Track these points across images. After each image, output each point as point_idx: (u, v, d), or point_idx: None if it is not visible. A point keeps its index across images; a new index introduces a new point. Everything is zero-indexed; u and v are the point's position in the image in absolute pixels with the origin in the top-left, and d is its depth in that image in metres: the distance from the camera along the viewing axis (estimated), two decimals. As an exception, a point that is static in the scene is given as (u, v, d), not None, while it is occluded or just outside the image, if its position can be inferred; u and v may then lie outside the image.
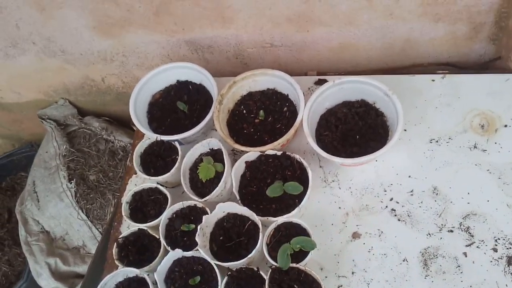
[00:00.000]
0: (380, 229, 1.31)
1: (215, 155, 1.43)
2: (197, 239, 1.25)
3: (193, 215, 1.39)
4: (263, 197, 1.30)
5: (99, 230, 2.05)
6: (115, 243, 1.40)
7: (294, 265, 1.22)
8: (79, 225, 1.98)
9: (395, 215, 1.33)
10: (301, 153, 1.37)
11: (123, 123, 2.27)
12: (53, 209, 2.07)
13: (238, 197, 1.31)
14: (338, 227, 1.34)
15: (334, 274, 1.27)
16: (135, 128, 1.69)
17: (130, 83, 2.03)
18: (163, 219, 1.38)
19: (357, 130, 1.40)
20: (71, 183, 2.07)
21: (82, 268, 2.01)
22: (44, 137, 2.28)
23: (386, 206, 1.35)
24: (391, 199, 1.36)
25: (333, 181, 1.43)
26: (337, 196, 1.40)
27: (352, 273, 1.27)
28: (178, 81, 1.60)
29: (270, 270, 1.22)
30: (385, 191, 1.38)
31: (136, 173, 1.61)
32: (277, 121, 1.45)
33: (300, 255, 1.26)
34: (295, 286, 1.20)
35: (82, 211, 2.05)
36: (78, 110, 2.24)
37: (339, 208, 1.38)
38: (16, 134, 2.66)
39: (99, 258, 1.51)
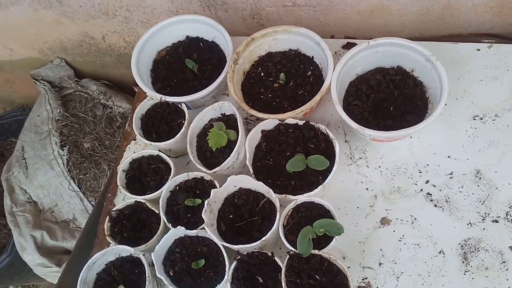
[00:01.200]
0: (413, 216, 1.18)
1: (227, 121, 1.24)
2: (203, 216, 1.07)
3: (199, 188, 1.21)
4: (281, 172, 1.14)
5: (92, 203, 1.88)
6: (108, 217, 1.22)
7: (316, 251, 1.04)
8: (70, 196, 1.84)
9: (431, 200, 1.19)
10: (324, 124, 1.19)
11: (124, 88, 2.17)
12: (42, 178, 1.92)
13: (251, 171, 1.13)
14: (365, 211, 1.20)
15: (359, 265, 1.14)
16: (136, 89, 1.50)
17: (133, 43, 1.88)
18: (164, 191, 1.19)
19: (391, 101, 1.24)
20: (63, 150, 1.94)
21: (71, 244, 1.84)
22: (37, 99, 2.09)
23: (421, 190, 1.21)
24: (427, 182, 1.22)
25: (360, 158, 1.25)
26: (364, 175, 1.26)
27: (380, 264, 1.14)
28: (187, 37, 1.42)
29: (288, 257, 1.04)
30: (420, 172, 1.23)
31: (135, 139, 1.42)
32: (299, 87, 1.27)
33: (322, 240, 1.09)
34: (317, 276, 1.02)
35: (74, 181, 1.89)
36: (75, 71, 2.12)
37: (367, 189, 1.24)
38: (7, 96, 2.47)
39: (89, 233, 1.33)
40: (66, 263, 1.41)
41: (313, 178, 1.16)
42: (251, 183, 1.16)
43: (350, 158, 1.31)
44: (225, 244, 1.08)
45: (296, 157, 1.16)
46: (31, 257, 1.84)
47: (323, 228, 1.05)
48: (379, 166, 1.26)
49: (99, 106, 2.02)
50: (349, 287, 1.02)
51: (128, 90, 2.10)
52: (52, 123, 1.98)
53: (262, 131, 1.25)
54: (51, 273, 1.88)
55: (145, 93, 1.31)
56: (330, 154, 1.17)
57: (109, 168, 1.94)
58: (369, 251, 1.15)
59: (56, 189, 1.89)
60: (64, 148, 1.91)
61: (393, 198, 1.21)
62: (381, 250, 1.15)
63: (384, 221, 1.18)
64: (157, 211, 1.21)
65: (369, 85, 1.28)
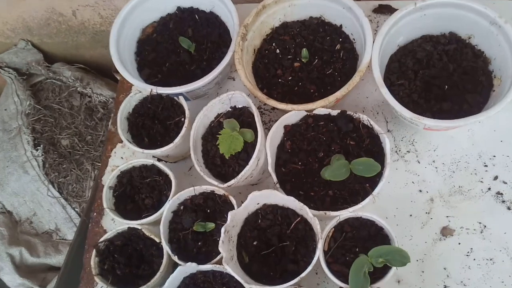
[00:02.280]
0: (482, 222, 0.98)
1: (240, 116, 0.97)
2: (221, 249, 0.81)
3: (210, 206, 0.94)
4: (314, 179, 0.94)
5: (76, 210, 1.61)
6: (94, 250, 0.94)
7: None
8: (49, 203, 1.62)
9: (503, 202, 0.99)
10: (358, 111, 0.99)
11: (103, 72, 1.88)
12: (15, 184, 1.64)
13: (275, 179, 0.86)
14: (420, 219, 1.00)
15: None
16: (119, 77, 1.19)
17: (110, 18, 1.62)
18: (165, 213, 0.92)
19: (445, 77, 1.02)
20: (37, 150, 1.65)
21: (56, 259, 1.58)
22: (3, 90, 1.79)
23: (489, 189, 1.01)
24: (496, 178, 1.01)
25: (408, 151, 1.01)
26: (415, 173, 1.05)
27: (444, 286, 0.94)
28: (179, 8, 1.16)
29: (338, 298, 0.78)
30: (486, 166, 1.03)
31: (122, 141, 1.12)
32: (327, 65, 1.03)
33: (376, 269, 0.82)
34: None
35: (53, 186, 1.62)
36: (44, 55, 1.83)
37: (420, 191, 1.03)
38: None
39: (72, 263, 1.05)
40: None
41: (357, 186, 0.91)
42: (278, 198, 0.89)
43: (396, 152, 1.06)
44: (253, 286, 0.81)
45: (337, 162, 0.89)
46: (10, 277, 1.57)
47: (382, 257, 0.80)
48: (433, 161, 1.05)
49: (75, 95, 1.74)
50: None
51: (108, 73, 1.83)
52: (22, 118, 1.68)
53: (285, 127, 0.98)
54: (35, 295, 1.61)
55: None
56: (376, 153, 0.93)
57: (94, 169, 1.66)
58: (430, 272, 0.95)
59: (33, 196, 1.62)
60: (39, 147, 1.65)
61: (455, 201, 1.00)
62: (445, 269, 0.95)
63: (446, 232, 0.98)
64: (157, 240, 0.94)
65: (416, 59, 1.05)
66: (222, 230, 0.83)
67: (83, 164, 1.68)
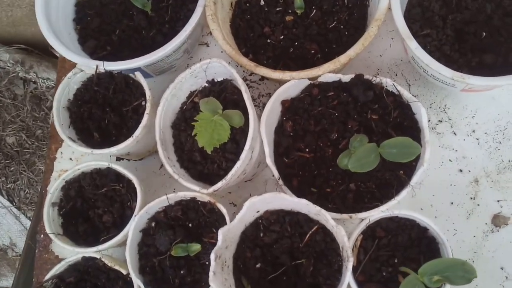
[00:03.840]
0: None
1: (222, 93, 0.72)
2: (212, 283, 0.56)
3: (192, 219, 0.70)
4: (329, 170, 0.71)
5: (32, 219, 1.33)
6: (39, 293, 0.69)
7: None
8: (0, 215, 1.26)
9: None
10: (372, 73, 0.79)
11: (48, 52, 1.58)
12: (-46, 195, 1.36)
13: (276, 174, 0.63)
14: (464, 207, 0.81)
15: None
16: (57, 54, 0.92)
17: None
18: (131, 233, 0.67)
19: (482, 23, 0.79)
20: None
21: (12, 280, 1.31)
22: None
23: None
24: None
25: (440, 121, 0.82)
26: (452, 148, 0.84)
27: None
28: None
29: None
30: None
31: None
32: (329, 16, 0.79)
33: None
34: None
35: (1, 194, 1.35)
36: None
37: (460, 171, 0.82)
38: None
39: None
40: None
41: (388, 174, 0.68)
42: (285, 201, 0.64)
43: (425, 122, 0.82)
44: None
45: (362, 147, 0.65)
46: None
47: (438, 274, 0.57)
48: (473, 131, 0.84)
49: (17, 82, 1.50)
50: None
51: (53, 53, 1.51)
52: (-46, 115, 1.41)
53: (283, 102, 0.73)
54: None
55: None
56: (409, 129, 0.70)
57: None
58: (483, 274, 0.76)
59: (-22, 207, 1.35)
60: (-22, 148, 1.36)
61: (506, 180, 0.80)
62: (502, 269, 0.77)
63: (499, 221, 0.79)
64: (124, 271, 0.69)
65: (443, 0, 0.80)
66: (212, 256, 0.59)
67: (35, 165, 1.43)
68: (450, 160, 0.81)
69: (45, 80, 1.47)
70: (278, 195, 0.64)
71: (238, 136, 0.69)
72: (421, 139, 0.68)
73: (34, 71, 1.48)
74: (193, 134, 0.66)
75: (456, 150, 0.81)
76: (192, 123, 0.66)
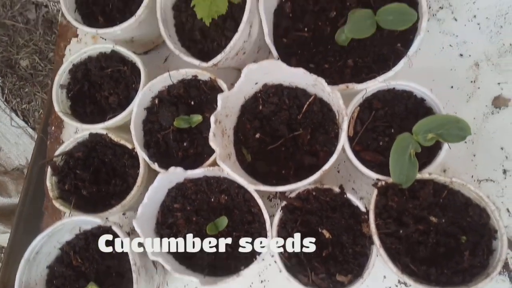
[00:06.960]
0: None
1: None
2: (212, 143, 0.59)
3: (194, 96, 0.72)
4: (327, 47, 0.72)
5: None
6: (50, 168, 0.72)
7: (425, 175, 0.59)
8: (16, 135, 1.47)
9: None
10: None
11: None
12: (-28, 116, 1.40)
13: (275, 53, 0.64)
14: (464, 90, 0.81)
15: (470, 177, 0.77)
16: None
17: None
18: (135, 110, 0.69)
19: None
20: None
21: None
22: None
23: None
24: None
25: (441, 7, 0.85)
26: (453, 34, 0.84)
27: (504, 172, 0.76)
28: None
29: (376, 191, 0.58)
30: None
31: (77, 36, 0.89)
32: None
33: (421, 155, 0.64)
34: (432, 218, 0.58)
35: (17, 114, 1.38)
36: None
37: (461, 55, 0.83)
38: None
39: (35, 193, 0.84)
40: (7, 244, 0.93)
41: (385, 49, 0.69)
42: (283, 73, 0.65)
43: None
44: (260, 187, 0.60)
45: (357, 13, 0.65)
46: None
47: (432, 132, 0.58)
48: (474, 16, 0.84)
49: (29, 7, 1.51)
50: (494, 228, 0.57)
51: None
52: (-31, 40, 1.43)
53: (283, -17, 0.74)
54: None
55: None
56: (406, 2, 0.68)
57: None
58: (483, 154, 0.78)
59: (-5, 128, 1.40)
60: (-6, 71, 1.39)
61: (507, 63, 0.80)
62: (502, 149, 0.78)
63: (499, 102, 0.79)
64: (129, 145, 0.71)
65: None
66: (212, 119, 0.61)
67: (48, 85, 1.44)
68: (450, 45, 0.81)
69: (56, 4, 1.48)
70: (276, 62, 0.65)
71: (236, 13, 0.70)
72: (419, 10, 0.68)
73: (45, -6, 1.50)
74: (192, 6, 0.67)
75: (457, 36, 0.81)
76: (191, -3, 0.67)
